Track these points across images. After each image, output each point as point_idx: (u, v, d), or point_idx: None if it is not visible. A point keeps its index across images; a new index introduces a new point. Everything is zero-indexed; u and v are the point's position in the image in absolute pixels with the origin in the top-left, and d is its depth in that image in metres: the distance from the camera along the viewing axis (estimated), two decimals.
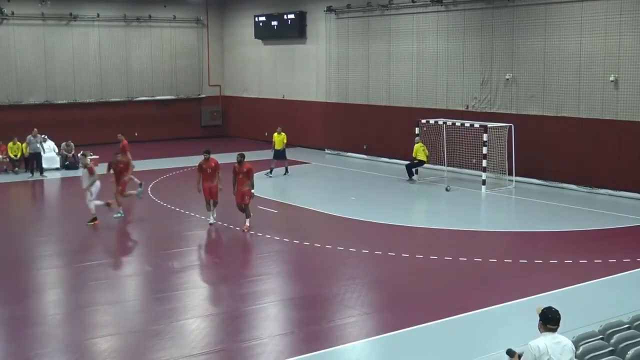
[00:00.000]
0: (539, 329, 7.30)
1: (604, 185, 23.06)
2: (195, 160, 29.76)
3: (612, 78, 22.57)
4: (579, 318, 11.63)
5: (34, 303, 13.70)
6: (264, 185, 24.83)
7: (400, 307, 13.20)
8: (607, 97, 22.89)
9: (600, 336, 8.73)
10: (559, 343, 7.17)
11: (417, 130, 26.01)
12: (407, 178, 25.62)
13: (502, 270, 15.32)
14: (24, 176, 27.26)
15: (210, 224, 19.18)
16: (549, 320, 7.21)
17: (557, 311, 7.26)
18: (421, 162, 25.54)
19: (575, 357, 8.07)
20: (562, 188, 23.91)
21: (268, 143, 34.42)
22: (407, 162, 26.03)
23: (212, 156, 19.37)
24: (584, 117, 23.60)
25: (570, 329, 9.60)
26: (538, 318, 7.32)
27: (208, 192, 19.12)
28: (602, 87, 22.96)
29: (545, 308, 7.31)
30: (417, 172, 25.73)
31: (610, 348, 8.37)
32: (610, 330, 8.79)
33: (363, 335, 11.80)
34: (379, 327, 12.27)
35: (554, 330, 7.21)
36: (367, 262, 16.06)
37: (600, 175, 23.11)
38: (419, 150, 25.46)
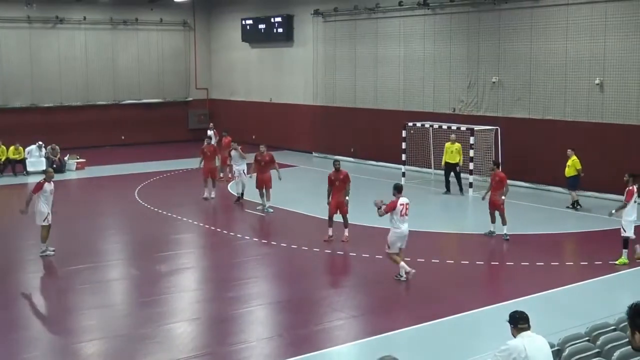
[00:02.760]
0: (512, 335, 7.40)
1: (590, 187, 23.16)
2: (184, 163, 29.81)
3: (597, 81, 22.71)
4: (565, 320, 11.68)
5: (20, 307, 13.63)
6: (248, 189, 24.82)
7: (388, 310, 13.22)
8: (592, 100, 23.03)
9: (587, 338, 8.77)
10: (535, 342, 7.28)
11: (404, 133, 26.02)
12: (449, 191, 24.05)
13: (489, 273, 15.38)
14: (6, 180, 27.11)
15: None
16: (519, 320, 7.36)
17: (523, 311, 7.45)
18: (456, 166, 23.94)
19: (561, 359, 8.13)
20: (549, 190, 24.02)
21: (256, 147, 34.44)
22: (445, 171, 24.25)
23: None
24: (569, 119, 23.73)
25: (557, 331, 9.65)
26: (509, 325, 7.43)
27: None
28: (587, 90, 23.11)
29: (510, 313, 7.47)
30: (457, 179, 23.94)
31: (597, 350, 8.40)
32: (597, 332, 8.83)
33: (351, 338, 11.82)
34: (366, 329, 12.29)
35: (528, 329, 7.34)
36: (354, 265, 16.07)
37: (586, 178, 23.20)
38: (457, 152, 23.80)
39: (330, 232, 17.80)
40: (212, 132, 29.28)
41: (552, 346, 7.82)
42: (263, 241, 17.98)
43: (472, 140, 23.98)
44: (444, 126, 25.31)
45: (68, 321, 12.73)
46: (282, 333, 12.12)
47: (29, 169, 28.22)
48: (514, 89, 25.22)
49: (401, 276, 14.39)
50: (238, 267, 16.23)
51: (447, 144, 24.02)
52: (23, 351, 11.36)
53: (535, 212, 21.44)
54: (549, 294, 13.75)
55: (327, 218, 17.95)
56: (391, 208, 14.28)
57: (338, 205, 17.82)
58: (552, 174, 23.78)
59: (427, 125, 25.97)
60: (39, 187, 16.42)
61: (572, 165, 21.52)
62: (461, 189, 23.81)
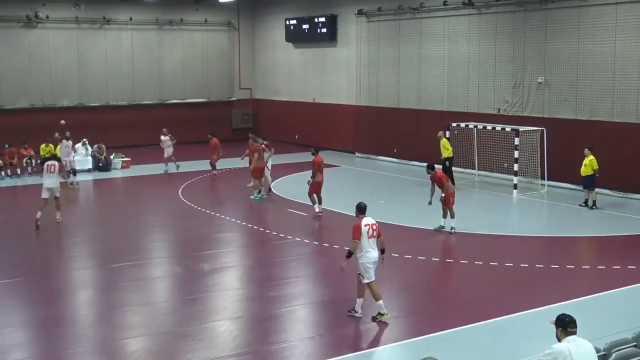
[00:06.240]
0: (558, 338, 7.28)
1: (638, 190, 22.74)
2: (227, 163, 30.01)
3: None
4: (611, 324, 11.47)
5: (67, 303, 13.88)
6: (291, 189, 24.89)
7: (429, 312, 13.14)
8: None
9: (634, 343, 8.61)
10: (581, 346, 7.18)
11: (447, 134, 25.85)
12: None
13: (534, 276, 15.16)
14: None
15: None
16: (568, 323, 7.25)
17: (569, 314, 7.35)
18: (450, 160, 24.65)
19: None
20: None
21: (299, 146, 34.67)
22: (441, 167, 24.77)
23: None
24: (617, 120, 23.30)
25: (603, 336, 9.48)
26: (554, 328, 7.32)
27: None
28: (636, 91, 22.66)
29: (558, 316, 7.36)
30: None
31: None
32: None
33: (392, 339, 11.77)
34: (407, 331, 12.23)
35: (575, 332, 7.23)
36: (396, 266, 15.98)
37: (634, 180, 22.79)
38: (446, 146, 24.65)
39: (317, 209, 20.62)
40: (166, 137, 29.27)
41: (597, 351, 7.70)
42: (305, 241, 18.02)
43: (517, 141, 23.71)
44: (489, 127, 25.07)
45: (112, 318, 12.91)
46: (323, 333, 12.12)
47: (76, 167, 28.66)
48: (560, 89, 24.85)
49: (355, 312, 12.62)
50: (280, 266, 16.28)
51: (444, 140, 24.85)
52: (69, 346, 11.58)
53: (580, 214, 21.11)
54: (595, 298, 13.51)
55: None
56: (357, 232, 12.33)
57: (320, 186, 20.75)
58: (598, 175, 23.38)
59: (471, 126, 25.76)
60: None
61: (590, 164, 21.29)
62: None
